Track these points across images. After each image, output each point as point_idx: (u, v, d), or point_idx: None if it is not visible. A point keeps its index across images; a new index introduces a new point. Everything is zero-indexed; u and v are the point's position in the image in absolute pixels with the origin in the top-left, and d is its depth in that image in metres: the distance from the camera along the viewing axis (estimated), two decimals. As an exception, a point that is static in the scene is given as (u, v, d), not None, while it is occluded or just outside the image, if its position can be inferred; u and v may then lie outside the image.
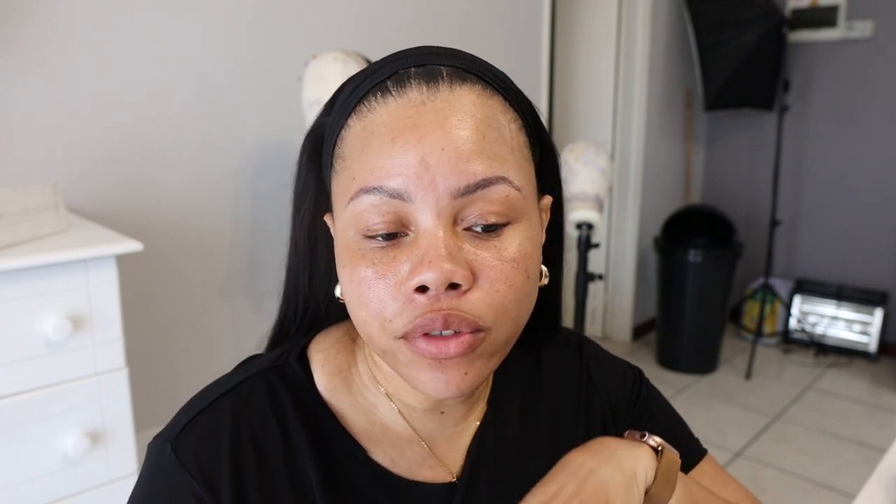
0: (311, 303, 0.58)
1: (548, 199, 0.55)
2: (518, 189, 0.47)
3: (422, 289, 0.44)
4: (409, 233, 0.46)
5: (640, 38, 3.24)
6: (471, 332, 0.45)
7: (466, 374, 0.47)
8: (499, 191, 0.45)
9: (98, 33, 1.54)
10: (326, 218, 0.54)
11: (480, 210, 0.45)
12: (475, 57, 0.51)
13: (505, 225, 0.47)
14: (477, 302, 0.45)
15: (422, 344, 0.45)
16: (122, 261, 1.23)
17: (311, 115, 1.52)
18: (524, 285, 0.47)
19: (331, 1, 1.97)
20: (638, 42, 3.25)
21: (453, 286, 0.44)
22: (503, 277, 0.46)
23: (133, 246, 1.17)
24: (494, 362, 0.49)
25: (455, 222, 0.45)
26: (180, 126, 1.71)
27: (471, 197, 0.45)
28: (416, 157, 0.44)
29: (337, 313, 0.60)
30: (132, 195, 1.64)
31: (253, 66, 1.82)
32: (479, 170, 0.45)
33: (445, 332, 0.45)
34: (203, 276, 1.81)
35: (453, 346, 0.45)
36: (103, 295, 1.16)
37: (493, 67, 0.51)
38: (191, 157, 1.74)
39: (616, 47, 3.31)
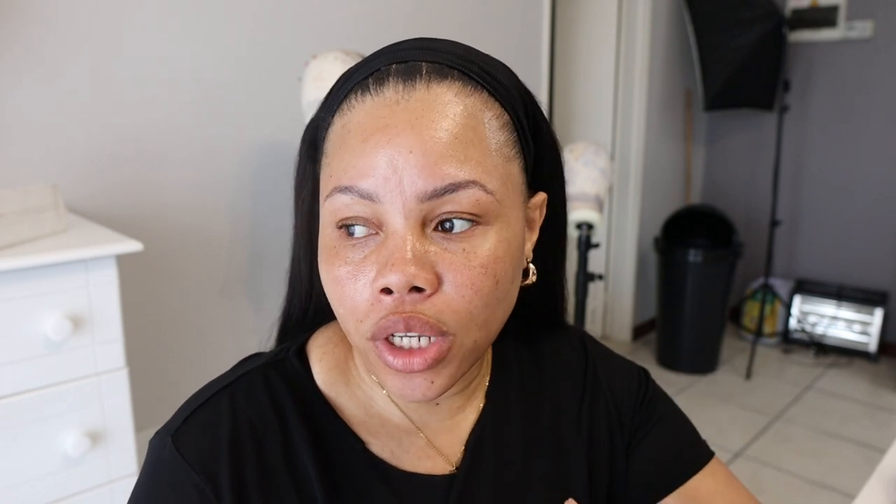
0: (314, 293, 0.59)
1: (540, 196, 0.54)
2: (490, 193, 0.45)
3: (387, 290, 0.44)
4: (381, 233, 0.46)
5: (640, 38, 3.24)
6: (437, 340, 0.46)
7: (433, 382, 0.47)
8: (469, 195, 0.45)
9: (98, 33, 1.54)
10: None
11: (448, 212, 0.45)
12: (466, 49, 0.50)
13: (476, 226, 0.46)
14: (441, 306, 0.45)
15: (388, 357, 0.46)
16: (122, 261, 1.23)
17: (311, 114, 1.52)
18: (493, 290, 0.46)
19: (331, 1, 1.97)
20: (638, 42, 3.24)
21: (417, 290, 0.44)
22: (469, 283, 0.45)
23: (133, 246, 1.17)
24: (464, 367, 0.49)
25: (424, 223, 0.45)
26: (180, 126, 1.71)
27: (439, 200, 0.44)
28: (384, 158, 0.44)
29: None
30: (132, 195, 1.64)
31: (253, 66, 1.82)
32: (448, 173, 0.44)
33: (410, 342, 0.46)
34: (203, 276, 1.81)
35: (417, 363, 0.45)
36: (103, 295, 1.16)
37: (484, 59, 0.50)
38: (191, 157, 1.73)
39: (616, 47, 3.31)
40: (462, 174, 0.44)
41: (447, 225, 0.45)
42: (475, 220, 0.45)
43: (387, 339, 0.46)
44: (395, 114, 0.45)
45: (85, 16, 1.51)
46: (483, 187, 0.45)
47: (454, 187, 0.44)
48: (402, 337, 0.46)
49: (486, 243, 0.46)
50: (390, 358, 0.46)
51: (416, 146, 0.44)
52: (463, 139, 0.45)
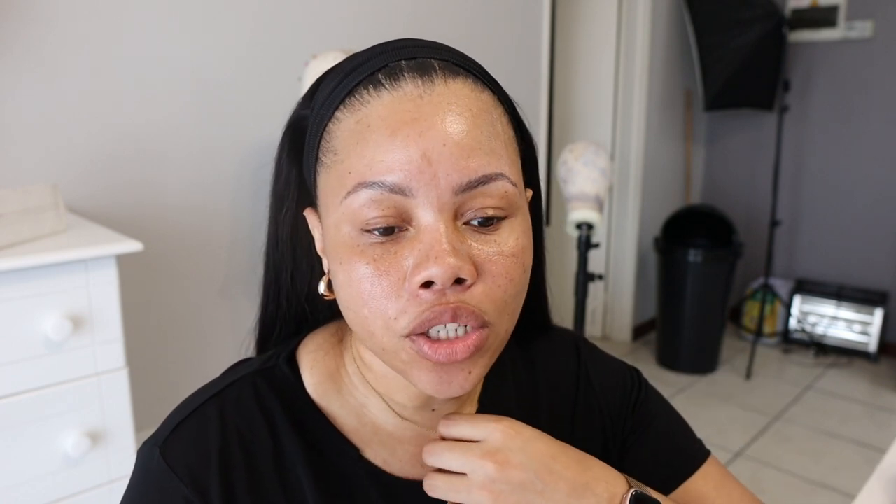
0: (294, 300, 0.58)
1: (529, 193, 0.55)
2: (514, 184, 0.47)
3: (427, 284, 0.44)
4: (410, 228, 0.45)
5: (640, 38, 3.24)
6: (477, 329, 0.46)
7: (470, 373, 0.47)
8: (498, 187, 0.45)
9: (98, 33, 1.54)
10: (307, 212, 0.53)
11: (480, 205, 0.45)
12: (458, 50, 0.51)
13: (503, 220, 0.47)
14: (481, 297, 0.45)
15: (427, 350, 0.45)
16: (122, 261, 1.23)
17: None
18: (522, 279, 0.47)
19: (331, 1, 1.97)
20: (638, 42, 3.25)
21: (458, 281, 0.44)
22: (504, 272, 0.46)
23: (133, 246, 1.17)
24: (493, 358, 0.49)
25: (455, 217, 0.45)
26: (180, 126, 1.71)
27: (471, 193, 0.45)
28: (417, 151, 0.43)
29: (324, 311, 0.59)
30: (132, 195, 1.64)
31: (253, 66, 1.82)
32: (480, 166, 0.45)
33: (451, 333, 0.45)
34: (203, 276, 1.81)
35: (460, 351, 0.45)
36: (103, 295, 1.16)
37: (476, 62, 0.51)
38: (191, 157, 1.74)
39: (616, 47, 3.31)
40: (491, 167, 0.45)
41: (475, 223, 0.46)
42: (503, 213, 0.46)
43: (424, 333, 0.45)
44: (420, 108, 0.45)
45: (85, 16, 1.51)
46: (509, 179, 0.46)
47: (486, 179, 0.45)
48: (440, 329, 0.45)
49: (513, 234, 0.47)
50: (430, 350, 0.45)
51: (448, 139, 0.44)
52: (487, 133, 0.46)
